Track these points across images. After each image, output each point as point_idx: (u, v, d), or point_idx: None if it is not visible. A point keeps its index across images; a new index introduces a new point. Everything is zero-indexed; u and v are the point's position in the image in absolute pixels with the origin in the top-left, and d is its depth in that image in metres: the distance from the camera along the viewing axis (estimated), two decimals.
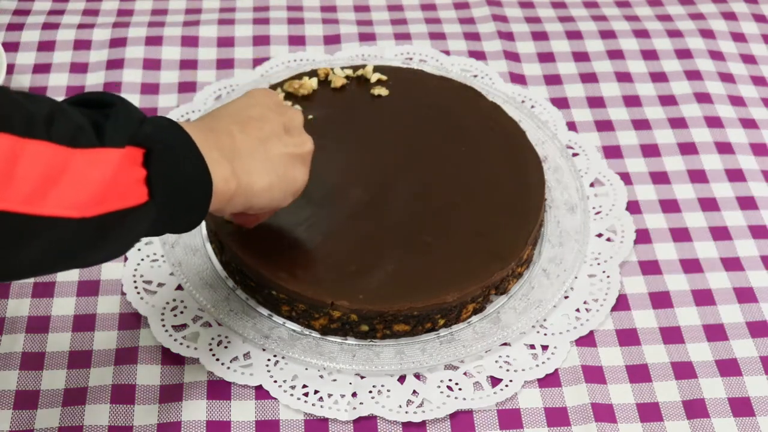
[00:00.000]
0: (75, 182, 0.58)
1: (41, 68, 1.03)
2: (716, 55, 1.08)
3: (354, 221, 0.84)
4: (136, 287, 0.84)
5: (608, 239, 0.89)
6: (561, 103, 1.02)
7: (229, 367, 0.79)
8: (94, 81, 1.02)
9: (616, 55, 1.08)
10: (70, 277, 0.85)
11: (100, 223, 0.60)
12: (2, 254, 0.56)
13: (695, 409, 0.78)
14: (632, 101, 1.03)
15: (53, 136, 0.57)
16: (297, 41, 1.08)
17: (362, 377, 0.79)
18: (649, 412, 0.78)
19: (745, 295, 0.86)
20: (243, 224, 0.81)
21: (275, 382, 0.78)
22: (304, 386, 0.78)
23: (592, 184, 0.94)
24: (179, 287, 0.84)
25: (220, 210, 0.71)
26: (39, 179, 0.56)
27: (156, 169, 0.63)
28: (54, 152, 0.57)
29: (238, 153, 0.72)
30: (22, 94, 0.58)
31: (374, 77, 0.96)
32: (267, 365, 0.79)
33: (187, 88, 1.02)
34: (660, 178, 0.95)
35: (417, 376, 0.79)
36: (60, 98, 1.00)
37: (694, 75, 1.06)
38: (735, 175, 0.96)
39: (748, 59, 1.09)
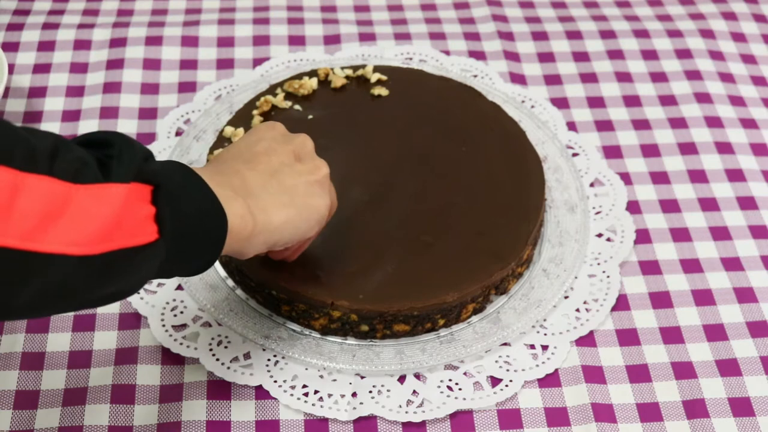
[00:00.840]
0: (77, 218, 0.56)
1: (41, 68, 1.03)
2: (716, 55, 1.08)
3: (354, 221, 0.84)
4: None
5: (608, 239, 0.89)
6: (561, 103, 1.02)
7: (229, 367, 0.79)
8: (94, 81, 1.02)
9: (616, 55, 1.08)
10: None
11: (105, 262, 0.58)
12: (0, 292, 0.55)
13: (695, 409, 0.78)
14: (632, 101, 1.03)
15: (56, 171, 0.56)
16: (297, 41, 1.08)
17: (362, 377, 0.79)
18: (649, 412, 0.78)
19: (745, 295, 0.86)
20: (284, 259, 0.79)
21: (275, 382, 0.78)
22: (304, 386, 0.78)
23: (592, 184, 0.94)
24: (179, 287, 0.84)
25: (240, 251, 0.69)
26: (39, 215, 0.55)
27: (165, 206, 0.61)
28: (55, 187, 0.56)
29: (251, 191, 0.69)
30: (24, 129, 0.57)
31: (374, 77, 0.96)
32: (267, 365, 0.79)
33: (187, 88, 1.02)
34: (660, 178, 0.95)
35: (417, 376, 0.79)
36: (60, 99, 1.00)
37: (694, 75, 1.06)
38: (735, 175, 0.96)
39: (748, 59, 1.09)
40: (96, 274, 0.58)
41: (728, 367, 0.81)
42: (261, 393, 0.78)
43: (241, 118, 0.92)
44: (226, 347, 0.80)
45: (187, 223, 0.63)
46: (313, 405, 0.77)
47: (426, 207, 0.86)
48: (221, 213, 0.65)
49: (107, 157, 0.60)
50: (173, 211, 0.62)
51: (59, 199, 0.56)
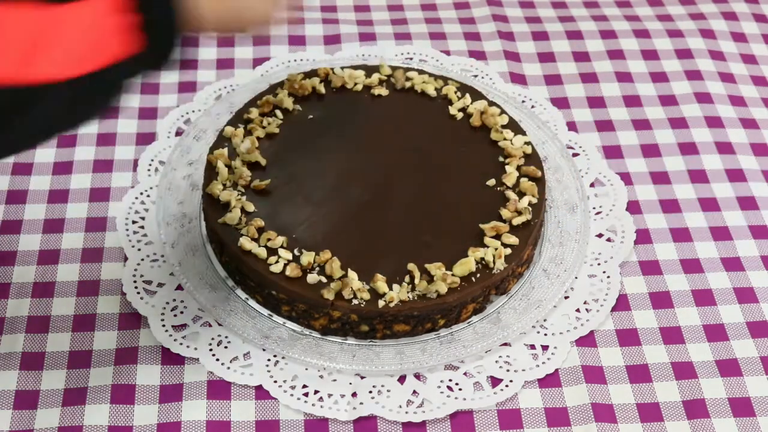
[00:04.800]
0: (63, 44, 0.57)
1: None
2: (717, 55, 1.08)
3: (354, 221, 0.84)
4: (136, 287, 0.84)
5: (608, 239, 0.89)
6: (561, 103, 1.02)
7: (229, 367, 0.79)
8: None
9: (616, 55, 1.08)
10: (70, 277, 0.85)
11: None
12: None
13: (695, 409, 0.78)
14: (632, 101, 1.03)
15: None
16: (297, 41, 1.08)
17: (362, 377, 0.79)
18: (650, 412, 0.78)
19: (745, 295, 0.86)
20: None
21: (275, 382, 0.78)
22: (304, 386, 0.78)
23: (592, 184, 0.94)
24: (179, 287, 0.84)
25: None
26: (27, 44, 0.56)
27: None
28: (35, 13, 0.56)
29: None
30: None
31: (375, 78, 0.96)
32: (267, 365, 0.79)
33: (187, 88, 1.02)
34: (660, 178, 0.95)
35: (417, 376, 0.79)
36: None
37: (694, 75, 1.06)
38: (735, 175, 0.96)
39: (749, 59, 1.09)
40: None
41: (728, 367, 0.81)
42: (261, 393, 0.78)
43: (241, 118, 0.92)
44: (226, 347, 0.80)
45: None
46: (313, 405, 0.77)
47: (426, 207, 0.86)
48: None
49: None
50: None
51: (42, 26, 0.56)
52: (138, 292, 0.83)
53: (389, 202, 0.86)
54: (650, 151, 0.98)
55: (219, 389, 0.78)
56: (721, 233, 0.91)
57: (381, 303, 0.79)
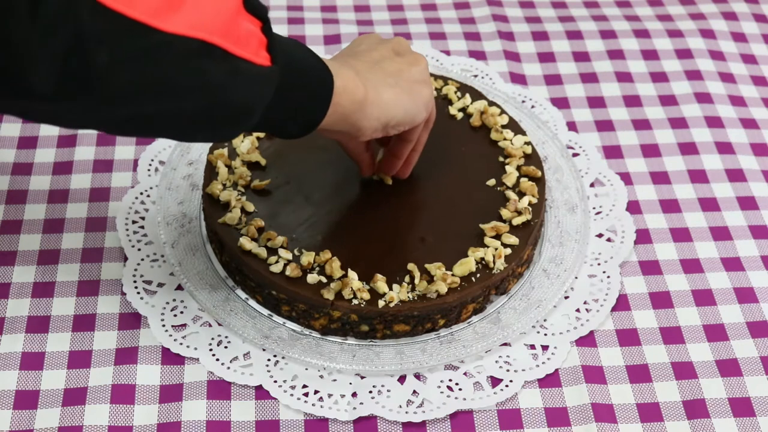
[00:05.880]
0: (197, 7, 0.60)
1: None
2: (716, 55, 1.08)
3: (354, 221, 0.84)
4: (136, 287, 0.84)
5: (608, 239, 0.89)
6: (561, 103, 1.02)
7: (229, 367, 0.79)
8: None
9: (616, 55, 1.08)
10: (70, 277, 0.85)
11: (222, 57, 0.62)
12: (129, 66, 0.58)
13: (695, 409, 0.78)
14: (632, 101, 1.03)
15: None
16: None
17: (362, 377, 0.79)
18: (650, 412, 0.78)
19: (745, 295, 0.86)
20: (398, 170, 0.85)
21: (275, 382, 0.78)
22: (304, 386, 0.78)
23: (592, 184, 0.94)
24: (179, 287, 0.84)
25: (356, 121, 0.74)
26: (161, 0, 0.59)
27: (275, 40, 0.65)
28: None
29: (359, 71, 0.75)
30: None
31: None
32: (267, 365, 0.79)
33: None
34: (660, 178, 0.95)
35: (417, 376, 0.79)
36: None
37: (694, 75, 1.06)
38: (735, 175, 0.96)
39: (749, 59, 1.09)
40: (214, 65, 0.62)
41: (728, 368, 0.81)
42: (261, 393, 0.78)
43: None
44: (226, 347, 0.80)
45: (296, 65, 0.68)
46: (313, 405, 0.77)
47: (426, 207, 0.86)
48: (326, 68, 0.71)
49: None
50: (283, 48, 0.66)
51: None
52: (138, 292, 0.83)
53: (389, 202, 0.86)
54: (650, 151, 0.98)
55: (219, 389, 0.78)
56: (721, 233, 0.91)
57: (381, 303, 0.79)
